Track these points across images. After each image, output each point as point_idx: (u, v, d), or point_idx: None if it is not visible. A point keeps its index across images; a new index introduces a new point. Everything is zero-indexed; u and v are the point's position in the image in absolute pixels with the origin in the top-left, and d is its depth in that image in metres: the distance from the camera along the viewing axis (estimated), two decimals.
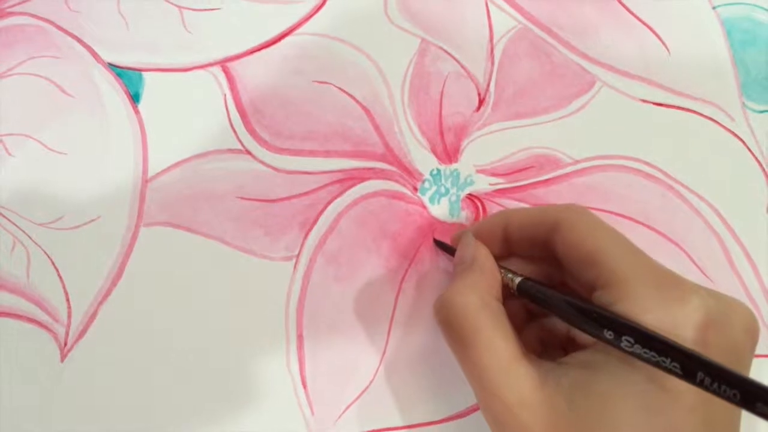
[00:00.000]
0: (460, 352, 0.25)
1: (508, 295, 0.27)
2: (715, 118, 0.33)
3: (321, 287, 0.31)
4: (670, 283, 0.23)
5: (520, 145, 0.32)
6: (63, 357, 0.30)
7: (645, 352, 0.21)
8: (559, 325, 0.27)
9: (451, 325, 0.25)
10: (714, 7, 0.35)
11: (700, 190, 0.32)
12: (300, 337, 0.30)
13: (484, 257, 0.27)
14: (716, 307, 0.23)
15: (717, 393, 0.19)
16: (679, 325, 0.22)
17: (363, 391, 0.30)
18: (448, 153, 0.32)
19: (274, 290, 0.31)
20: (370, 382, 0.30)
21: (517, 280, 0.27)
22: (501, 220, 0.28)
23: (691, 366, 0.20)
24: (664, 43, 0.34)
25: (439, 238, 0.31)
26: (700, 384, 0.20)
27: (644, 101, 0.33)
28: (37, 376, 0.30)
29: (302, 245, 0.31)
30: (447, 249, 0.30)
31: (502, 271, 0.27)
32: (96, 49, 0.34)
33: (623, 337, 0.22)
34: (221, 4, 0.35)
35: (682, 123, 0.33)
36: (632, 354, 0.22)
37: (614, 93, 0.33)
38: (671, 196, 0.32)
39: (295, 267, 0.31)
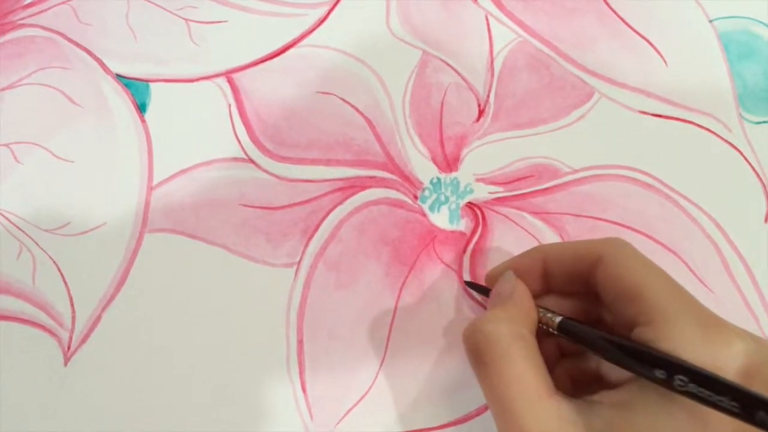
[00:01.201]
0: (487, 381, 0.24)
1: (541, 334, 0.26)
2: (712, 129, 0.33)
3: (322, 294, 0.31)
4: (714, 324, 0.23)
5: (520, 154, 0.33)
6: (66, 361, 0.31)
7: (700, 392, 0.21)
8: (591, 364, 0.27)
9: (480, 353, 0.24)
10: (711, 21, 0.35)
11: (699, 200, 0.32)
12: (300, 343, 0.30)
13: (522, 292, 0.27)
14: (759, 353, 0.22)
15: None
16: (721, 367, 0.22)
17: (362, 397, 0.30)
18: (448, 162, 0.33)
19: (275, 296, 0.31)
20: (370, 387, 0.30)
21: (558, 319, 0.26)
22: (539, 254, 0.28)
23: (750, 404, 0.20)
24: (661, 56, 0.34)
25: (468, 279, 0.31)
26: (761, 424, 0.20)
27: (642, 112, 0.34)
28: (41, 379, 0.30)
29: (303, 252, 0.32)
30: (478, 289, 0.30)
31: (541, 310, 0.27)
32: (104, 60, 0.35)
33: (676, 377, 0.21)
34: (227, 17, 0.36)
35: (680, 134, 0.33)
36: (684, 393, 0.21)
37: (612, 104, 0.34)
38: (670, 206, 0.32)
39: (296, 273, 0.31)
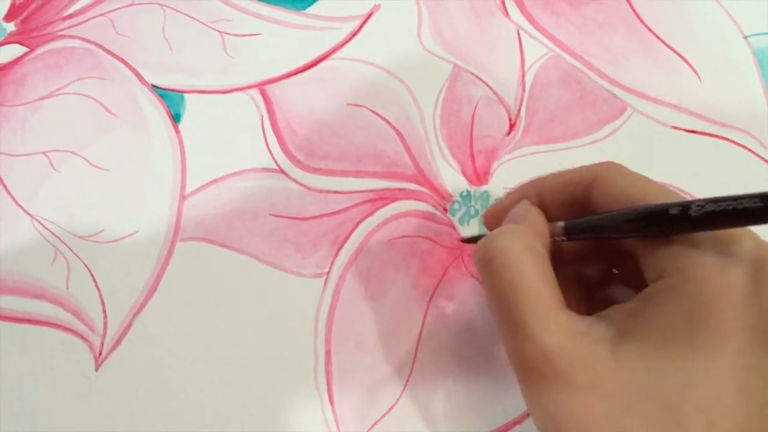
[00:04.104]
0: (497, 292, 0.23)
1: (556, 263, 0.26)
2: (747, 145, 0.33)
3: (350, 305, 0.31)
4: None
5: (550, 168, 0.33)
6: (98, 366, 0.31)
7: (718, 206, 0.20)
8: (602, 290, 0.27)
9: (491, 264, 0.23)
10: (746, 37, 0.35)
11: None
12: (328, 354, 0.30)
13: (536, 213, 0.26)
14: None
15: None
16: (734, 260, 0.21)
17: (390, 409, 0.30)
18: (479, 175, 0.33)
19: (304, 306, 0.31)
20: (397, 399, 0.30)
21: (560, 223, 0.26)
22: (535, 186, 0.27)
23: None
24: (695, 71, 0.34)
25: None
26: None
27: (675, 128, 0.33)
28: (72, 383, 0.31)
29: (332, 263, 0.32)
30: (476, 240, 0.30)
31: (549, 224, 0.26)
32: (141, 71, 0.36)
33: (693, 205, 0.21)
34: (261, 30, 0.36)
35: (713, 150, 0.33)
36: (704, 217, 0.21)
37: (645, 119, 0.33)
38: None
39: (325, 284, 0.31)
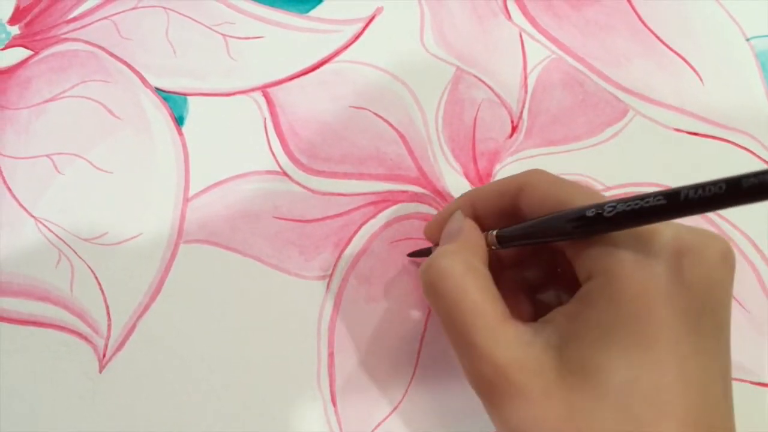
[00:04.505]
0: (445, 315, 0.24)
1: (495, 269, 0.27)
2: (749, 147, 0.33)
3: (353, 306, 0.31)
4: None
5: (553, 170, 0.33)
6: (101, 368, 0.31)
7: (627, 205, 0.21)
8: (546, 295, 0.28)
9: (436, 288, 0.24)
10: (748, 39, 0.35)
11: (735, 218, 0.32)
12: (331, 356, 0.31)
13: (471, 227, 0.27)
14: (690, 236, 0.22)
15: (704, 197, 0.19)
16: (654, 253, 0.22)
17: (393, 410, 0.30)
18: (481, 177, 0.33)
19: (307, 308, 0.31)
20: (400, 401, 0.30)
21: (494, 232, 0.26)
22: (469, 197, 0.28)
23: (673, 193, 0.20)
24: (697, 74, 0.34)
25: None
26: (685, 201, 0.20)
27: (678, 130, 0.33)
28: (76, 385, 0.31)
29: (335, 265, 0.32)
30: (421, 254, 0.31)
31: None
32: (144, 74, 0.36)
33: (605, 207, 0.22)
34: (264, 33, 0.36)
35: (716, 152, 0.33)
36: (616, 220, 0.21)
37: (647, 122, 0.34)
38: (705, 224, 0.32)
39: (328, 286, 0.32)
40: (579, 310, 0.23)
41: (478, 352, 0.23)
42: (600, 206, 0.22)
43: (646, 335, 0.22)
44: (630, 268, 0.22)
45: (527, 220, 0.26)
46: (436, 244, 0.29)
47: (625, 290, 0.22)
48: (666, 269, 0.22)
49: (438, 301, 0.24)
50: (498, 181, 0.28)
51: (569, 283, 0.26)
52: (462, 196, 0.29)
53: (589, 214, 0.22)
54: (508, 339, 0.23)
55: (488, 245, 0.27)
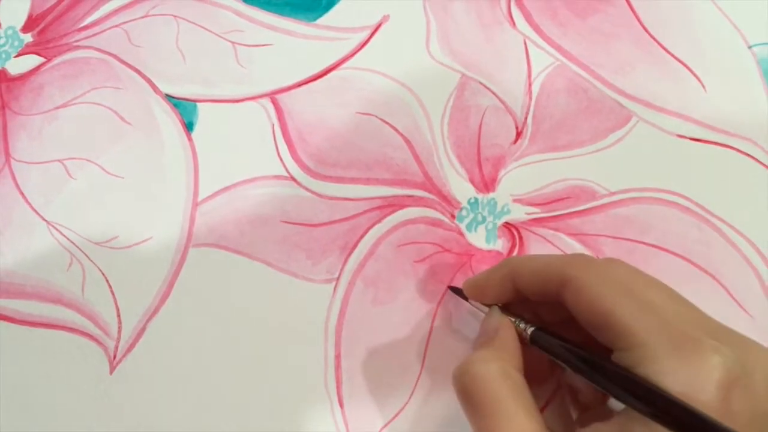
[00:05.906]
0: (477, 423, 0.24)
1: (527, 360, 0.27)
2: (751, 154, 0.33)
3: (359, 309, 0.32)
4: (689, 342, 0.22)
5: (557, 176, 0.33)
6: (112, 369, 0.32)
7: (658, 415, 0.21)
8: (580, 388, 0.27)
9: (469, 394, 0.24)
10: (750, 47, 0.35)
11: (737, 224, 0.32)
12: (338, 358, 0.31)
13: (507, 328, 0.27)
14: (736, 363, 0.22)
15: None
16: (700, 388, 0.21)
17: (398, 413, 0.30)
18: (486, 182, 0.33)
19: (314, 311, 0.32)
20: (405, 403, 0.30)
21: (530, 330, 0.26)
22: (509, 272, 0.27)
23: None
24: (700, 81, 0.35)
25: (459, 283, 0.31)
26: None
27: (680, 136, 0.34)
28: (87, 386, 0.31)
29: (342, 269, 0.32)
30: (460, 293, 0.31)
31: (515, 320, 0.27)
32: (155, 81, 0.37)
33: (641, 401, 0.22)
34: (272, 41, 0.37)
35: (718, 158, 0.33)
36: (649, 414, 0.21)
37: (650, 128, 0.34)
38: (708, 230, 0.32)
39: (335, 289, 0.32)
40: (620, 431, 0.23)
41: None
42: (637, 397, 0.22)
43: None
44: (675, 396, 0.21)
45: (570, 312, 0.25)
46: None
47: None
48: (714, 402, 0.21)
49: (471, 407, 0.24)
50: (543, 260, 0.27)
51: None
52: (504, 265, 0.28)
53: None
54: None
55: (520, 337, 0.27)
